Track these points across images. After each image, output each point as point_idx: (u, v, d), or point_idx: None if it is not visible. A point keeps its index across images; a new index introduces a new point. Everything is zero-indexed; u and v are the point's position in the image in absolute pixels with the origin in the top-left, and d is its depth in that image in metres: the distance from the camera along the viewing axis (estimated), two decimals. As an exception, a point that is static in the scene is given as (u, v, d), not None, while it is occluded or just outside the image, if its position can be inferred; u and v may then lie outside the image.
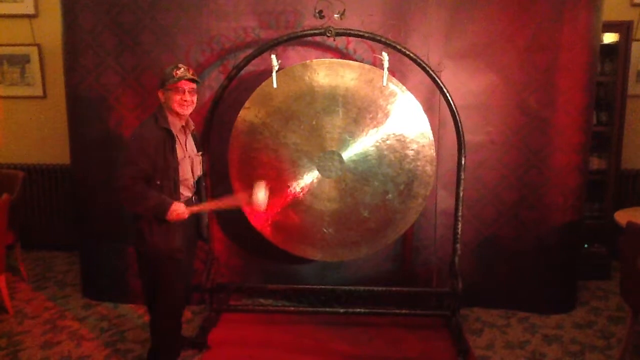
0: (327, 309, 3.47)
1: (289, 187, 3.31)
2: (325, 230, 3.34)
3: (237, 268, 3.75)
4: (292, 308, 3.52)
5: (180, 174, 2.72)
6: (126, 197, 2.58)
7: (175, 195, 2.68)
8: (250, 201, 2.77)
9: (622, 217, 3.22)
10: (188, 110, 2.71)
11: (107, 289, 3.79)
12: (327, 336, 3.33)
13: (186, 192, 2.80)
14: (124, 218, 3.54)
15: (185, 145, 2.77)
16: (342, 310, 3.43)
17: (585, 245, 4.10)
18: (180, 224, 2.71)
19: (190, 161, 2.79)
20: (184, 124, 2.75)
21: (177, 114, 2.68)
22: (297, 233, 3.38)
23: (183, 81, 2.64)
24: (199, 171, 2.89)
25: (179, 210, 2.64)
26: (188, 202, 2.78)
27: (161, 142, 2.62)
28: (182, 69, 2.66)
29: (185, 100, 2.67)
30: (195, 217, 2.92)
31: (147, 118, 2.72)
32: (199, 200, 3.03)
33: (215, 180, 3.38)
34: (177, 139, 2.69)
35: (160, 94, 2.69)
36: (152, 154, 2.58)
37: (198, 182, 2.97)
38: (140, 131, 2.64)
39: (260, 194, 2.75)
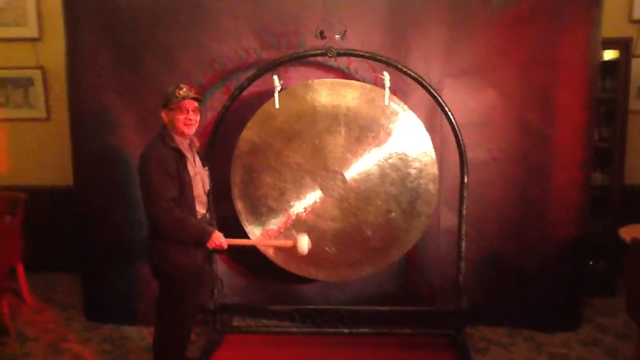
0: (331, 330, 3.45)
1: (291, 206, 3.31)
2: (328, 249, 3.33)
3: (240, 288, 3.73)
4: (296, 329, 3.50)
5: (195, 191, 2.73)
6: (166, 228, 2.59)
7: (194, 213, 2.69)
8: (294, 247, 2.81)
9: (627, 233, 3.21)
10: (193, 130, 2.71)
11: (110, 310, 3.77)
12: (332, 357, 3.31)
13: (201, 209, 2.80)
14: (127, 239, 3.57)
15: (194, 162, 2.79)
16: (346, 331, 3.41)
17: (590, 262, 4.07)
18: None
19: (200, 178, 2.81)
20: (189, 143, 2.77)
21: (182, 134, 2.68)
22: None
23: (187, 100, 2.64)
24: (207, 185, 2.91)
25: (219, 240, 2.70)
26: (202, 219, 2.80)
27: (174, 161, 2.61)
28: (185, 88, 2.66)
29: (190, 119, 2.67)
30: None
31: (153, 140, 2.69)
32: (211, 216, 3.01)
33: (217, 200, 3.37)
34: (186, 157, 2.69)
35: (164, 115, 2.67)
36: (173, 174, 2.59)
37: (208, 197, 2.97)
38: (153, 154, 2.60)
39: (304, 242, 2.81)
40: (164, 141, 2.64)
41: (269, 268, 3.46)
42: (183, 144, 2.70)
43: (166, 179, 2.56)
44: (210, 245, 2.68)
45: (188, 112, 2.66)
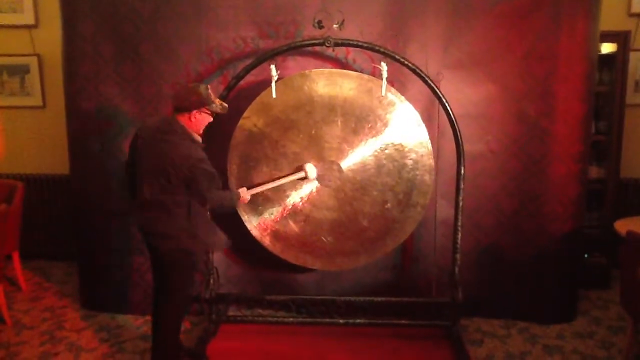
0: (327, 320, 3.46)
1: (288, 196, 3.32)
2: (324, 239, 3.34)
3: (236, 278, 3.74)
4: (292, 319, 3.51)
5: None
6: (221, 204, 2.88)
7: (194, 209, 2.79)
8: (305, 177, 3.18)
9: (623, 226, 3.21)
10: None
11: (106, 299, 3.77)
12: (327, 347, 3.31)
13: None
14: (124, 229, 3.57)
15: None
16: (341, 321, 3.42)
17: (586, 255, 4.09)
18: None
19: None
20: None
21: (199, 133, 2.77)
22: (296, 242, 3.38)
23: None
24: None
25: (243, 195, 3.04)
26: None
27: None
28: (212, 94, 2.74)
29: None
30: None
31: (179, 140, 2.68)
32: None
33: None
34: None
35: (195, 114, 2.69)
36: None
37: None
38: (197, 154, 2.68)
39: (312, 169, 3.19)
40: (193, 142, 2.71)
41: (265, 258, 3.47)
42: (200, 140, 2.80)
43: (214, 174, 2.73)
44: (243, 201, 3.05)
45: (211, 117, 2.78)
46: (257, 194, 3.20)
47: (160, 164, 2.65)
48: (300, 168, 3.21)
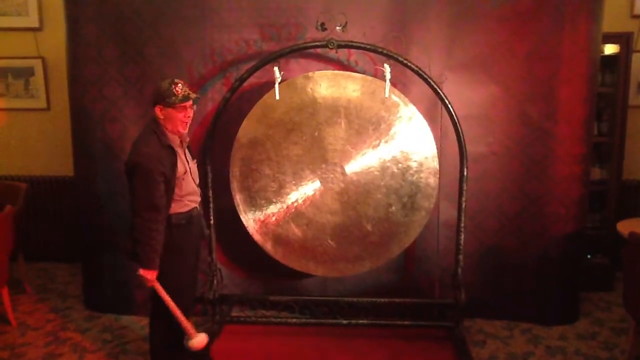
0: (330, 321, 3.47)
1: (290, 199, 3.32)
2: (327, 243, 3.34)
3: (240, 279, 3.75)
4: (295, 320, 3.52)
5: (189, 188, 2.73)
6: (137, 228, 2.56)
7: (166, 211, 2.63)
8: (193, 340, 2.71)
9: (625, 227, 3.22)
10: (187, 128, 2.70)
11: (110, 300, 3.79)
12: (330, 348, 3.32)
13: (193, 202, 2.80)
14: (127, 230, 3.57)
15: (185, 157, 2.75)
16: (344, 322, 3.43)
17: (588, 256, 4.09)
18: (193, 225, 2.80)
19: (189, 173, 2.77)
20: (180, 139, 2.73)
21: (177, 133, 2.66)
22: (298, 247, 3.38)
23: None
24: (197, 179, 2.86)
25: (151, 277, 2.61)
26: (193, 211, 2.79)
27: (168, 160, 2.59)
28: (180, 84, 2.60)
29: (189, 117, 2.65)
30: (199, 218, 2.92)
31: (145, 132, 2.63)
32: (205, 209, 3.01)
33: (216, 192, 3.38)
34: (178, 155, 2.66)
35: (158, 110, 2.59)
36: (167, 174, 2.56)
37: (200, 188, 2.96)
38: (149, 150, 2.55)
39: (201, 340, 2.72)
40: (158, 138, 2.59)
41: (268, 260, 3.47)
42: (175, 141, 2.67)
43: (157, 183, 2.52)
44: (142, 272, 2.59)
45: (186, 109, 2.62)
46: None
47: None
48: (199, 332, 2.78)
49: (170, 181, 2.60)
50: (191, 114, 2.68)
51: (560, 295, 3.60)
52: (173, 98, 2.57)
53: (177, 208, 2.69)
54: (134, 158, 2.56)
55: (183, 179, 2.69)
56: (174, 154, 2.64)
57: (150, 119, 2.70)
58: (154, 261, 2.59)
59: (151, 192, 2.53)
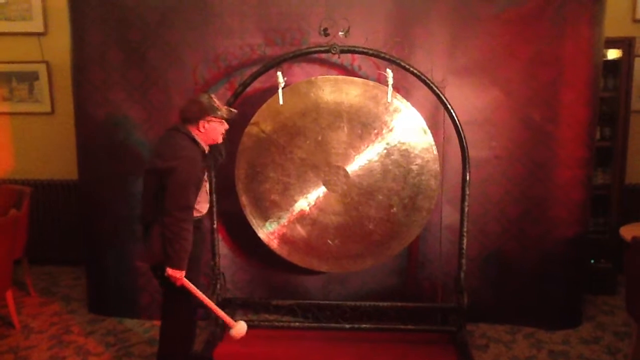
0: (333, 325, 3.47)
1: (295, 201, 3.34)
2: (330, 242, 3.36)
3: (243, 283, 3.76)
4: (298, 323, 3.52)
5: (204, 195, 2.83)
6: (169, 229, 2.59)
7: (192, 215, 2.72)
8: (233, 329, 2.79)
9: (627, 232, 3.22)
10: None
11: (113, 304, 3.80)
12: (333, 352, 3.33)
13: (206, 207, 2.89)
14: (131, 234, 3.60)
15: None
16: (347, 326, 3.43)
17: (591, 260, 4.09)
18: (200, 231, 2.88)
19: (206, 182, 2.86)
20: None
21: (208, 142, 2.79)
22: (303, 245, 3.40)
23: None
24: (208, 185, 2.95)
25: (181, 276, 2.66)
26: (202, 217, 2.87)
27: (202, 165, 2.71)
28: (214, 97, 2.76)
29: (226, 128, 2.81)
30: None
31: (179, 140, 2.69)
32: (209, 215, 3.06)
33: (221, 195, 3.40)
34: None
35: (203, 124, 2.71)
36: (201, 178, 2.69)
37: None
38: (192, 155, 2.66)
39: (241, 328, 2.80)
40: (196, 145, 2.71)
41: (272, 262, 3.49)
42: (205, 149, 2.80)
43: (192, 185, 2.63)
44: (170, 271, 2.63)
45: (224, 124, 2.78)
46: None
47: (152, 156, 2.73)
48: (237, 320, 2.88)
49: (199, 187, 2.70)
50: (227, 126, 2.81)
51: (563, 299, 3.60)
52: (219, 112, 2.72)
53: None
54: (172, 160, 2.62)
55: (203, 186, 2.78)
56: (205, 161, 2.76)
57: (180, 130, 2.73)
58: (184, 260, 2.64)
59: (187, 193, 2.61)
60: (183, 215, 2.60)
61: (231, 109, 2.80)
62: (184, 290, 2.71)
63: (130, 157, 3.54)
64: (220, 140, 2.82)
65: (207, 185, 2.89)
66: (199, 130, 2.72)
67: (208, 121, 2.71)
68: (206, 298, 2.77)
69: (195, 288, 2.73)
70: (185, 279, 2.68)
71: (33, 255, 4.22)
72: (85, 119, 3.64)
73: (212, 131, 2.74)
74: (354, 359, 3.25)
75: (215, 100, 2.74)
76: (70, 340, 3.51)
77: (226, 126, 2.80)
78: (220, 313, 2.80)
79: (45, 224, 4.76)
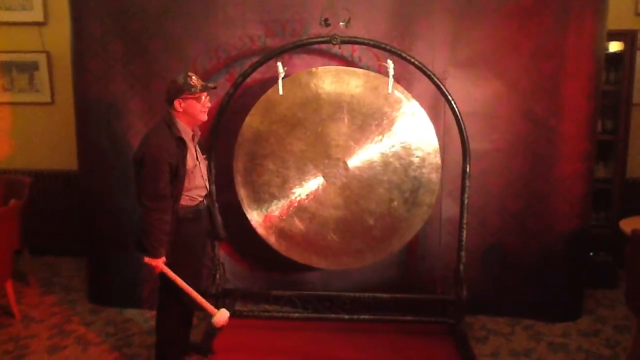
0: (332, 316, 3.48)
1: (294, 193, 3.33)
2: (330, 237, 3.35)
3: (242, 274, 3.77)
4: (297, 314, 3.53)
5: (197, 181, 2.78)
6: (143, 218, 2.61)
7: (176, 205, 2.70)
8: (214, 317, 2.72)
9: (628, 225, 3.22)
10: (206, 116, 2.78)
11: (114, 294, 3.81)
12: (332, 343, 3.34)
13: (199, 196, 2.84)
14: (131, 224, 3.59)
15: (195, 152, 2.80)
16: (346, 317, 3.44)
17: (591, 254, 4.09)
18: (201, 221, 2.86)
19: (199, 168, 2.82)
20: (193, 133, 2.79)
21: (193, 122, 2.74)
22: (302, 240, 3.39)
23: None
24: (205, 175, 2.91)
25: (158, 264, 2.65)
26: (200, 205, 2.83)
27: (176, 151, 2.64)
28: (194, 76, 2.70)
29: (207, 106, 2.75)
30: (208, 216, 2.95)
31: (157, 126, 2.72)
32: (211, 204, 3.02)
33: (220, 187, 3.39)
34: (188, 148, 2.71)
35: (177, 104, 2.67)
36: (172, 165, 2.62)
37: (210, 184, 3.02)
38: (158, 142, 2.62)
39: (222, 316, 2.73)
40: (170, 130, 2.67)
41: (271, 255, 3.48)
42: (188, 133, 2.73)
43: (162, 173, 2.58)
44: (147, 260, 2.64)
45: (204, 99, 2.72)
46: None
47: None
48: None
49: (178, 173, 2.65)
50: (208, 104, 2.76)
51: (563, 292, 3.60)
52: (193, 89, 2.67)
53: (184, 201, 2.75)
54: (142, 149, 2.63)
55: (192, 172, 2.74)
56: (184, 146, 2.69)
57: (163, 116, 2.74)
58: (158, 249, 2.64)
59: (156, 182, 2.58)
60: (155, 205, 2.58)
61: (208, 84, 2.75)
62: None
63: (130, 148, 3.53)
64: (203, 119, 2.75)
65: (203, 169, 2.84)
66: (178, 111, 2.69)
67: (184, 99, 2.66)
68: (186, 285, 2.71)
69: (175, 275, 2.69)
70: (165, 267, 2.67)
71: (33, 246, 4.23)
72: (85, 109, 3.64)
73: (190, 108, 2.68)
74: (353, 350, 3.26)
75: (193, 78, 2.68)
76: (70, 329, 3.53)
77: (206, 103, 2.73)
78: (202, 301, 2.75)
79: (46, 214, 4.77)
